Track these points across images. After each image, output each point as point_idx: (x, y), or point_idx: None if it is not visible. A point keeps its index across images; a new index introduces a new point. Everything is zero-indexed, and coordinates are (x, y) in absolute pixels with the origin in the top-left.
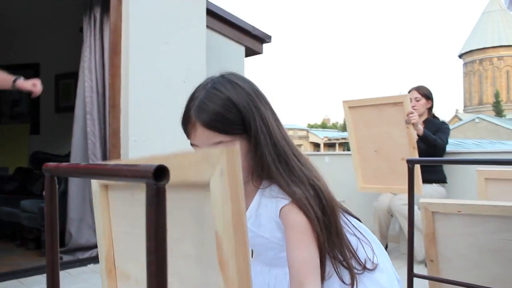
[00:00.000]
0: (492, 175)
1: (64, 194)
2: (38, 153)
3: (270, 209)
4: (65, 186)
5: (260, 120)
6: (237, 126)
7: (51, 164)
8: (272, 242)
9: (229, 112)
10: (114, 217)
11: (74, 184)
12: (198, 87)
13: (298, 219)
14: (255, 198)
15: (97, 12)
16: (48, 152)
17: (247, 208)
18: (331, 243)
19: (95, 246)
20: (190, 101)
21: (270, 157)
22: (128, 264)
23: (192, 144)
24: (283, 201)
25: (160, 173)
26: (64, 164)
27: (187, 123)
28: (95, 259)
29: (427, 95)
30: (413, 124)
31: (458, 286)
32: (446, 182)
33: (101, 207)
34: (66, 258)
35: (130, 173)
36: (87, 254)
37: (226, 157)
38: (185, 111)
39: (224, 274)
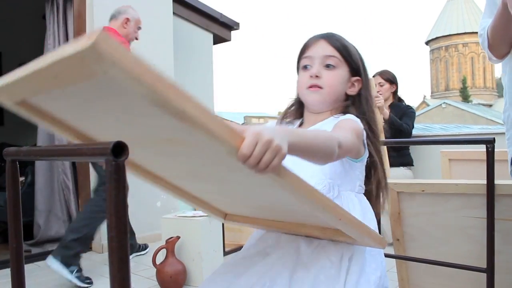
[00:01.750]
0: (455, 156)
1: (31, 186)
2: (3, 145)
3: (332, 121)
4: (32, 177)
5: (365, 70)
6: (352, 57)
7: (11, 148)
8: (305, 163)
9: (352, 47)
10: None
11: (41, 175)
12: None
13: (356, 123)
14: (320, 123)
15: None
16: (13, 144)
17: (313, 124)
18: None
19: None
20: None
21: (370, 98)
22: None
23: (305, 57)
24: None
25: (118, 150)
26: (25, 147)
27: (308, 43)
28: None
29: (391, 80)
30: (378, 108)
31: (424, 264)
32: (412, 165)
33: None
34: (35, 250)
35: (90, 152)
36: (56, 246)
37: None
38: (309, 38)
39: None
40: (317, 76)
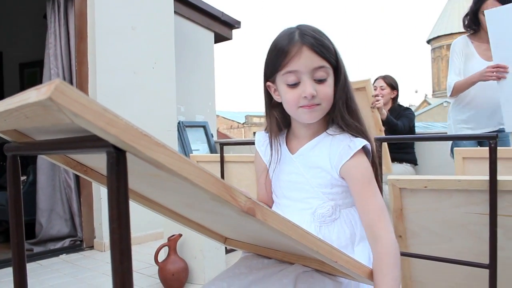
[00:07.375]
0: (469, 154)
1: (33, 185)
2: (4, 144)
3: (338, 149)
4: (34, 176)
5: (339, 56)
6: (333, 57)
7: (12, 143)
8: (308, 185)
9: (329, 43)
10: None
11: (43, 174)
12: (285, 31)
13: (367, 160)
14: (316, 138)
15: None
16: None
17: (303, 145)
18: None
19: (67, 236)
20: (287, 35)
21: (351, 94)
22: None
23: (289, 72)
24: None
25: None
26: (25, 141)
27: (288, 52)
28: (67, 249)
29: (393, 85)
30: (378, 109)
31: (426, 260)
32: (416, 164)
33: None
34: (37, 249)
35: (91, 144)
36: (59, 245)
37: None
38: (285, 43)
39: None
40: (313, 96)
